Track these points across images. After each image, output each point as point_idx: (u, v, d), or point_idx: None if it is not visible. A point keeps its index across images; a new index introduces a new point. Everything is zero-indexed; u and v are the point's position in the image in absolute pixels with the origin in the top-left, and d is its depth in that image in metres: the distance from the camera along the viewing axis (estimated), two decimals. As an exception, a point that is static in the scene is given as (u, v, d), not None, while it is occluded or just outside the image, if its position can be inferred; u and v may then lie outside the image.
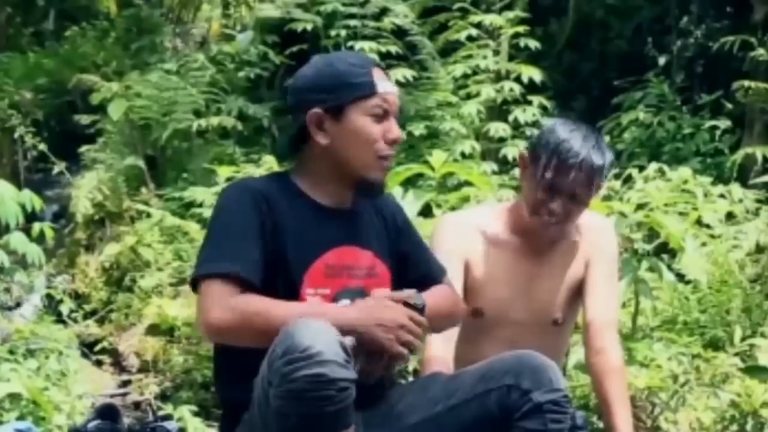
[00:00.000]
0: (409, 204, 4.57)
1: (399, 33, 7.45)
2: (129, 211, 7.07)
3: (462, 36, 7.35)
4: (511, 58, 7.51)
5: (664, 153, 7.33)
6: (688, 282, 5.37)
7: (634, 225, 4.19)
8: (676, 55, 8.53)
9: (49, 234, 5.02)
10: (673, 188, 5.43)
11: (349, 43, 7.17)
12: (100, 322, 6.42)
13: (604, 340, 2.82)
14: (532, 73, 7.12)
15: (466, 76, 7.29)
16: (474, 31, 7.34)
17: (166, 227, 6.45)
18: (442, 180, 5.69)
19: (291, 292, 2.33)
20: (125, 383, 5.83)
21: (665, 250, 5.08)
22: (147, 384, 5.63)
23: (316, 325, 2.11)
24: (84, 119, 7.92)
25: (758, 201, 6.09)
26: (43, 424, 4.01)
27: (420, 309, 2.31)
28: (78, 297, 6.60)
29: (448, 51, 7.59)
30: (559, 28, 8.85)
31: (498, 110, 7.28)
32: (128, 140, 7.57)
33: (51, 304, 6.06)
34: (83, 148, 7.78)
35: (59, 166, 7.28)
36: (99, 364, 6.06)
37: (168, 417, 4.31)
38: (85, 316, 6.30)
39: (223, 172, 6.22)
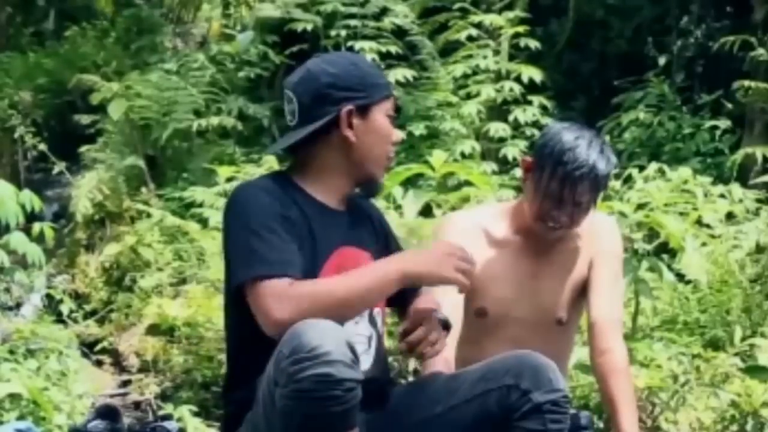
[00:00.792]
0: (409, 204, 4.58)
1: (399, 33, 7.45)
2: (129, 211, 7.08)
3: (462, 36, 7.36)
4: (511, 58, 7.51)
5: (664, 153, 7.33)
6: (688, 282, 5.37)
7: (634, 225, 4.19)
8: (676, 55, 8.53)
9: (49, 234, 5.02)
10: (673, 188, 5.43)
11: (349, 43, 7.17)
12: (100, 322, 6.42)
13: (610, 340, 2.82)
14: (532, 73, 7.12)
15: (466, 76, 7.30)
16: (474, 31, 7.34)
17: (166, 227, 6.45)
18: (442, 180, 5.70)
19: None
20: (125, 383, 5.84)
21: (665, 250, 5.08)
22: (147, 384, 5.63)
23: (323, 325, 2.11)
24: (84, 119, 7.92)
25: (758, 201, 6.09)
26: (43, 424, 4.01)
27: (445, 322, 2.38)
28: (78, 297, 6.60)
29: (448, 51, 7.59)
30: (559, 28, 8.85)
31: (498, 110, 7.28)
32: (128, 140, 7.57)
33: (51, 304, 6.06)
34: (83, 148, 7.79)
35: (59, 166, 7.28)
36: (99, 364, 6.06)
37: (168, 417, 4.31)
38: (85, 316, 6.30)
39: (223, 172, 6.22)
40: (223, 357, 4.60)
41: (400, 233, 3.87)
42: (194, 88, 7.57)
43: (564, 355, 2.99)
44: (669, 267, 4.87)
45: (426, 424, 2.37)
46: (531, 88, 7.16)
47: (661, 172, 5.87)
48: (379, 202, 4.15)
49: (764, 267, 5.36)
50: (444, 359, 2.71)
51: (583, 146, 2.75)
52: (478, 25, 7.37)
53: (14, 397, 4.06)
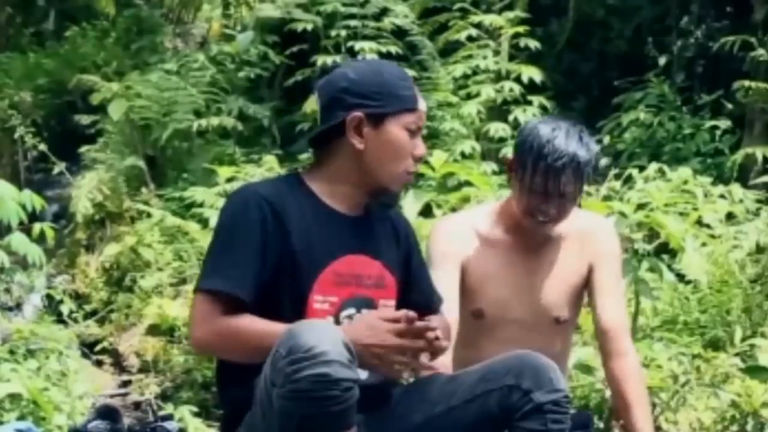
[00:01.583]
0: (410, 204, 4.57)
1: (399, 33, 7.45)
2: (129, 211, 7.08)
3: (462, 36, 7.36)
4: (511, 58, 7.51)
5: (664, 153, 7.33)
6: (688, 282, 5.37)
7: (634, 225, 4.18)
8: (677, 55, 8.53)
9: (50, 234, 5.02)
10: (673, 188, 5.43)
11: (349, 43, 7.17)
12: (101, 322, 6.43)
13: (621, 343, 2.82)
14: (532, 73, 7.12)
15: (466, 76, 7.29)
16: (474, 32, 7.34)
17: (167, 227, 6.45)
18: (443, 180, 5.70)
19: (299, 298, 2.33)
20: (125, 383, 5.84)
21: (665, 250, 5.07)
22: (147, 384, 5.63)
23: (320, 325, 2.12)
24: (84, 119, 7.93)
25: (758, 201, 6.09)
26: (43, 424, 4.01)
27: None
28: (78, 297, 6.60)
29: (448, 51, 7.59)
30: (559, 28, 8.85)
31: (498, 110, 7.28)
32: (128, 140, 7.57)
33: (51, 305, 6.06)
34: (83, 148, 7.79)
35: (59, 166, 7.28)
36: (99, 364, 6.07)
37: (168, 417, 4.31)
38: (86, 317, 6.30)
39: (223, 172, 6.22)
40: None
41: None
42: (194, 88, 7.57)
43: (563, 354, 2.99)
44: (669, 267, 4.87)
45: (426, 424, 2.37)
46: (531, 88, 7.16)
47: (661, 172, 5.87)
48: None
49: (764, 267, 5.36)
50: (442, 362, 2.70)
51: (561, 137, 2.74)
52: (478, 25, 7.37)
53: (14, 397, 4.05)
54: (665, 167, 5.97)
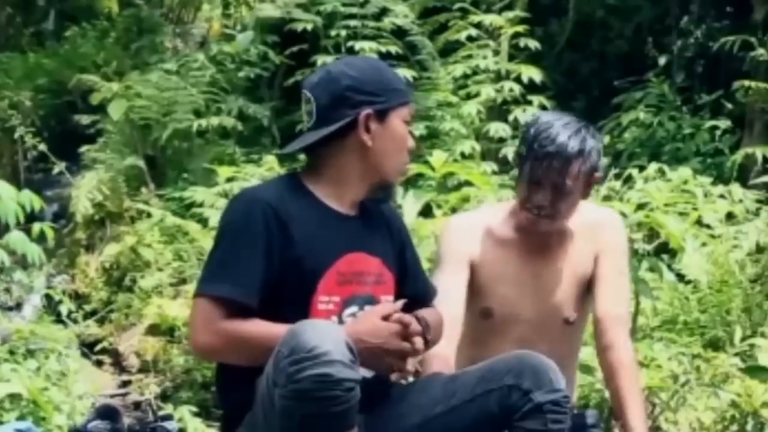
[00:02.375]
0: (409, 204, 4.57)
1: (399, 33, 7.44)
2: (129, 211, 7.07)
3: (462, 36, 7.35)
4: (511, 58, 7.51)
5: (664, 153, 7.33)
6: (688, 282, 5.37)
7: (634, 225, 4.18)
8: (677, 55, 8.52)
9: (49, 234, 5.01)
10: (673, 188, 5.43)
11: (349, 43, 7.17)
12: (100, 322, 6.43)
13: (615, 335, 2.80)
14: (532, 73, 7.12)
15: (466, 76, 7.29)
16: (474, 31, 7.34)
17: (167, 227, 6.45)
18: (443, 180, 5.69)
19: (303, 299, 2.33)
20: (125, 383, 5.84)
21: (665, 250, 5.08)
22: (147, 384, 5.63)
23: (322, 325, 2.12)
24: (84, 119, 7.92)
25: (758, 201, 6.09)
26: (43, 424, 4.01)
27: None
28: (78, 297, 6.60)
29: (448, 51, 7.59)
30: (559, 28, 8.85)
31: (498, 110, 7.28)
32: (128, 140, 7.57)
33: (51, 305, 6.05)
34: (83, 148, 7.79)
35: (59, 166, 7.28)
36: (99, 364, 6.07)
37: (168, 417, 4.31)
38: (85, 316, 6.30)
39: (223, 172, 6.21)
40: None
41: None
42: (194, 88, 7.57)
43: (572, 355, 2.98)
44: (669, 267, 4.87)
45: (426, 424, 2.37)
46: (531, 88, 7.16)
47: (661, 172, 5.87)
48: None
49: (764, 267, 5.36)
50: (444, 359, 2.71)
51: (557, 126, 2.74)
52: (478, 25, 7.37)
53: (14, 397, 4.06)
54: (665, 167, 5.97)
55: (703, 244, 5.31)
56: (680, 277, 5.31)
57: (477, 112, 7.07)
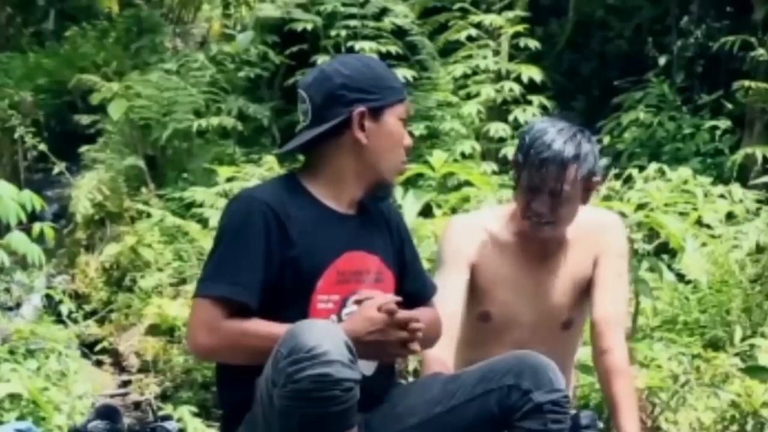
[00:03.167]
0: (409, 204, 4.57)
1: (399, 33, 7.44)
2: (129, 211, 7.07)
3: (462, 36, 7.35)
4: (511, 58, 7.51)
5: (664, 153, 7.33)
6: (688, 282, 5.37)
7: (634, 225, 4.19)
8: (676, 55, 8.52)
9: (49, 234, 5.01)
10: (673, 188, 5.43)
11: (349, 43, 7.16)
12: (100, 322, 6.42)
13: (611, 339, 2.80)
14: (532, 73, 7.12)
15: (466, 76, 7.29)
16: (474, 31, 7.33)
17: (167, 227, 6.45)
18: (443, 180, 5.69)
19: (303, 299, 2.33)
20: (125, 383, 5.84)
21: (665, 250, 5.08)
22: (147, 384, 5.63)
23: (322, 325, 2.12)
24: (84, 119, 7.92)
25: (758, 201, 6.09)
26: (43, 424, 4.02)
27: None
28: (78, 297, 6.60)
29: (448, 51, 7.59)
30: (559, 28, 8.85)
31: (498, 110, 7.28)
32: (128, 140, 7.57)
33: (51, 305, 6.05)
34: (83, 148, 7.78)
35: (59, 166, 7.28)
36: (99, 364, 6.06)
37: (168, 417, 4.31)
38: (85, 316, 6.30)
39: (223, 172, 6.22)
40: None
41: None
42: (194, 88, 7.57)
43: (569, 358, 2.98)
44: (669, 267, 4.87)
45: (426, 424, 2.37)
46: (531, 88, 7.16)
47: (661, 172, 5.87)
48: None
49: (764, 267, 5.36)
50: (442, 361, 2.71)
51: (552, 132, 2.74)
52: (478, 25, 7.37)
53: (14, 397, 4.06)
54: (665, 167, 5.96)
55: (703, 244, 5.31)
56: (680, 277, 5.31)
57: (477, 112, 7.07)
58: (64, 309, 5.78)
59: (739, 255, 5.44)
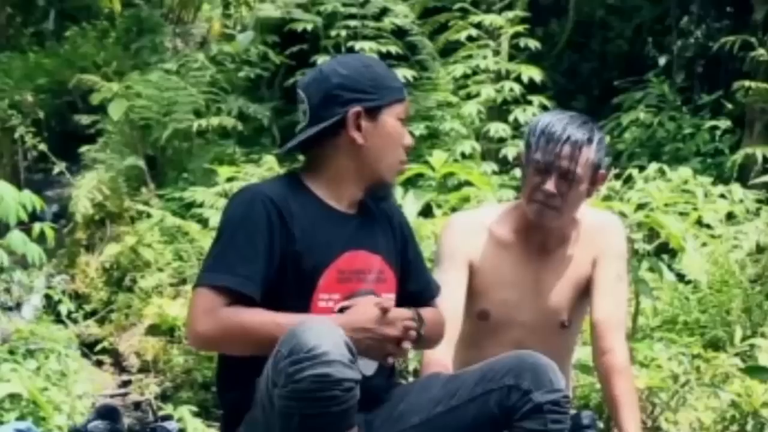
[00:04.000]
0: (409, 204, 4.57)
1: (399, 33, 7.44)
2: (129, 211, 7.07)
3: (462, 36, 7.35)
4: (511, 58, 7.51)
5: (664, 153, 7.33)
6: (688, 282, 5.37)
7: (634, 225, 4.19)
8: (677, 55, 8.53)
9: (49, 234, 5.01)
10: (673, 188, 5.43)
11: (349, 43, 7.16)
12: (100, 322, 6.42)
13: (612, 340, 2.81)
14: (533, 73, 7.12)
15: (466, 76, 7.29)
16: (474, 31, 7.34)
17: (167, 227, 6.45)
18: (443, 180, 5.70)
19: (304, 297, 2.33)
20: (125, 383, 5.84)
21: (665, 250, 5.08)
22: (147, 384, 5.63)
23: (322, 326, 2.12)
24: (84, 119, 7.92)
25: (758, 201, 6.10)
26: (43, 424, 4.01)
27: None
28: (78, 297, 6.60)
29: (448, 51, 7.59)
30: (559, 28, 8.85)
31: (498, 110, 7.28)
32: (128, 140, 7.56)
33: (51, 305, 6.05)
34: (83, 148, 7.78)
35: (59, 166, 7.28)
36: (99, 364, 6.06)
37: (168, 417, 4.31)
38: (85, 316, 6.30)
39: (223, 172, 6.21)
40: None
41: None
42: (194, 88, 7.56)
43: (566, 357, 2.98)
44: (669, 267, 4.87)
45: (426, 424, 2.37)
46: (531, 88, 7.16)
47: (661, 172, 5.87)
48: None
49: (764, 267, 5.37)
50: (443, 363, 2.71)
51: (564, 119, 2.79)
52: (478, 25, 7.37)
53: (14, 397, 4.06)
54: (665, 167, 5.96)
55: (703, 244, 5.31)
56: (680, 277, 5.31)
57: (477, 112, 7.07)
58: (64, 309, 5.78)
59: (739, 255, 5.45)
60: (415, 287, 2.53)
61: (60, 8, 10.63)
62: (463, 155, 6.80)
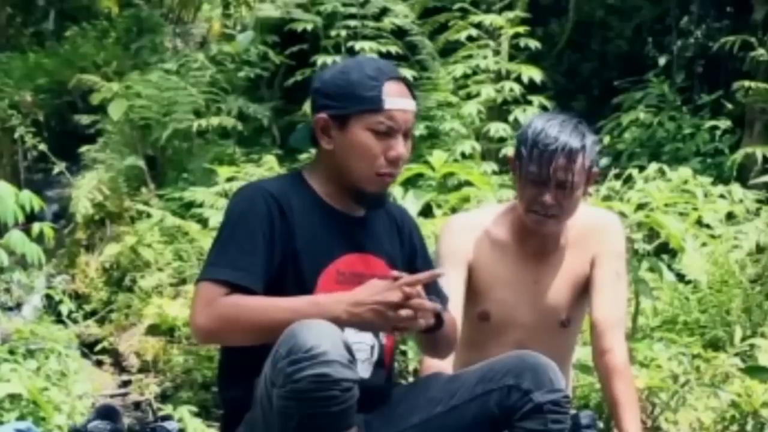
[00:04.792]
0: (410, 204, 4.57)
1: (399, 33, 7.44)
2: (129, 211, 7.08)
3: (462, 36, 7.35)
4: (511, 58, 7.51)
5: (664, 153, 7.33)
6: (688, 282, 5.37)
7: (634, 225, 4.19)
8: (676, 55, 8.53)
9: (49, 234, 5.01)
10: (673, 188, 5.44)
11: (349, 43, 7.17)
12: (100, 322, 6.43)
13: (611, 340, 2.80)
14: (533, 73, 7.12)
15: (466, 76, 7.29)
16: (474, 31, 7.33)
17: (167, 227, 6.45)
18: (443, 180, 5.69)
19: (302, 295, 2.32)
20: (125, 383, 5.84)
21: (665, 250, 5.08)
22: (147, 384, 5.63)
23: (320, 325, 2.11)
24: (84, 119, 7.92)
25: (758, 201, 6.10)
26: (43, 424, 4.01)
27: (438, 315, 2.34)
28: (78, 297, 6.61)
29: (448, 51, 7.59)
30: (559, 28, 8.85)
31: (498, 110, 7.28)
32: (128, 140, 7.57)
33: (51, 305, 6.06)
34: (83, 148, 7.79)
35: (59, 166, 7.28)
36: (99, 364, 6.07)
37: (168, 417, 4.30)
38: (85, 317, 6.31)
39: (223, 172, 6.22)
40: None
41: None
42: (194, 88, 7.57)
43: (566, 357, 2.98)
44: (669, 267, 4.87)
45: (426, 424, 2.37)
46: (531, 88, 7.15)
47: (661, 172, 5.87)
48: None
49: (764, 267, 5.37)
50: (444, 368, 2.70)
51: (555, 125, 2.75)
52: (478, 25, 7.37)
53: (14, 397, 4.05)
54: (665, 167, 5.96)
55: (703, 244, 5.31)
56: (680, 277, 5.31)
57: (477, 112, 7.07)
58: (64, 309, 5.78)
59: (739, 255, 5.45)
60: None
61: (60, 8, 10.64)
62: (463, 155, 6.80)
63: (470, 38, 7.36)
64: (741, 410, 4.08)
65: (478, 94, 7.14)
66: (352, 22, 7.29)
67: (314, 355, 2.04)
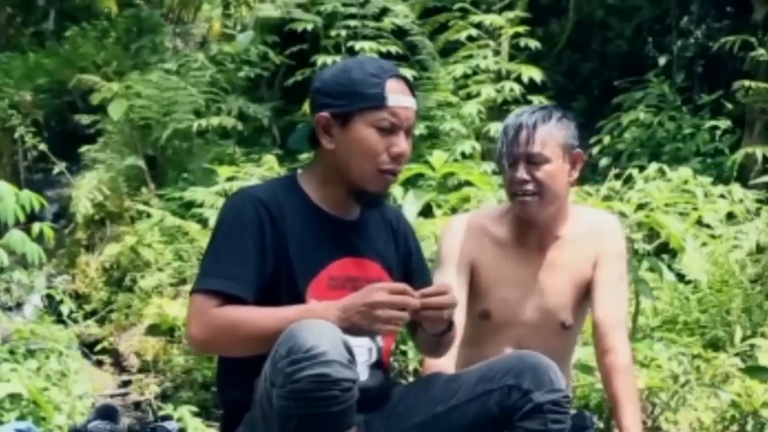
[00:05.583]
0: (410, 204, 4.57)
1: (399, 33, 7.44)
2: (129, 211, 7.07)
3: (462, 36, 7.35)
4: (511, 58, 7.51)
5: (664, 153, 7.33)
6: (688, 282, 5.37)
7: (634, 225, 4.19)
8: (676, 55, 8.53)
9: (49, 234, 5.01)
10: (673, 188, 5.44)
11: (349, 43, 7.17)
12: (101, 322, 6.43)
13: (614, 339, 2.81)
14: (533, 73, 7.12)
15: (466, 76, 7.29)
16: (474, 31, 7.33)
17: (167, 227, 6.45)
18: (443, 180, 5.69)
19: (295, 302, 2.31)
20: (125, 383, 5.84)
21: (665, 250, 5.08)
22: (147, 384, 5.63)
23: (320, 326, 2.11)
24: (84, 119, 7.92)
25: (758, 201, 6.10)
26: (43, 424, 4.01)
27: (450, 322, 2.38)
28: (78, 297, 6.60)
29: (448, 51, 7.59)
30: (559, 28, 8.86)
31: (498, 110, 7.27)
32: (128, 140, 7.57)
33: (51, 305, 6.05)
34: (83, 148, 7.79)
35: (59, 166, 7.28)
36: (99, 364, 6.07)
37: (168, 417, 4.30)
38: (86, 316, 6.30)
39: (223, 172, 6.21)
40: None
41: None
42: (194, 88, 7.57)
43: (567, 358, 2.99)
44: (669, 267, 4.87)
45: (426, 424, 2.37)
46: (531, 88, 7.15)
47: (662, 172, 5.87)
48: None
49: (764, 267, 5.37)
50: (444, 368, 2.70)
51: (521, 111, 2.86)
52: (478, 25, 7.37)
53: (14, 397, 4.05)
54: (665, 167, 5.97)
55: (703, 244, 5.31)
56: (680, 277, 5.31)
57: (477, 112, 7.07)
58: (64, 309, 5.78)
59: (739, 255, 5.45)
60: None
61: (60, 8, 10.64)
62: (463, 155, 6.80)
63: (470, 38, 7.35)
64: (741, 410, 4.08)
65: (478, 94, 7.14)
66: (352, 22, 7.29)
67: (314, 355, 2.04)
